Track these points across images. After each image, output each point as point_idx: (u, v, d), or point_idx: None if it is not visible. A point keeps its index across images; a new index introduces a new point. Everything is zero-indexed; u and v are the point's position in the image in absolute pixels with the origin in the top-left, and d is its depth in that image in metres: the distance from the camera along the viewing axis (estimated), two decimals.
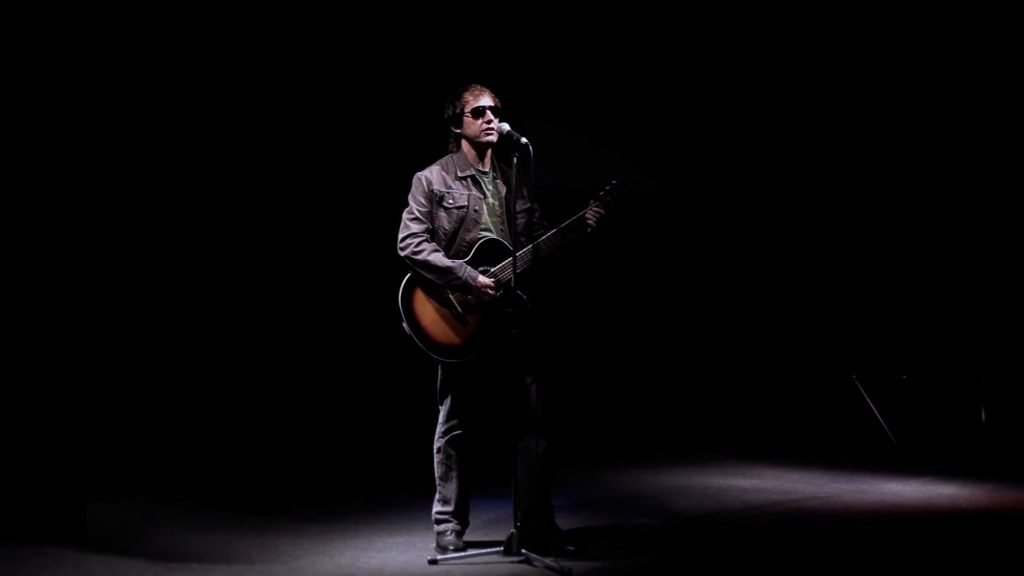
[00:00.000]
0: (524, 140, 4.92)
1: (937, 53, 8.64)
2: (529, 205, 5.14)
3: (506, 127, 5.04)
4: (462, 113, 5.09)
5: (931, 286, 8.56)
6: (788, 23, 9.01)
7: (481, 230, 5.09)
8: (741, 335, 9.14)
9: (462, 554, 4.96)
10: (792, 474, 7.04)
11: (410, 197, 5.09)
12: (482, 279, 4.98)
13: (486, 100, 5.09)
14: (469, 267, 4.99)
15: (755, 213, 9.24)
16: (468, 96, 5.10)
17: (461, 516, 5.14)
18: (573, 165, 8.11)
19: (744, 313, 9.17)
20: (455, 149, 5.18)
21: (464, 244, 5.06)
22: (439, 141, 5.25)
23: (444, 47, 7.90)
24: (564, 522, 5.30)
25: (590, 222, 5.05)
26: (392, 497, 6.36)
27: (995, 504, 6.09)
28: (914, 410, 8.07)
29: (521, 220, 5.12)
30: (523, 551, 4.82)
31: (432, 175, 5.10)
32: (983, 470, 6.98)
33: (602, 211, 5.06)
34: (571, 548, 4.96)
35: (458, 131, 5.14)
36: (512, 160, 4.97)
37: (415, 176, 5.12)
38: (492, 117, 5.07)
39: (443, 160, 5.17)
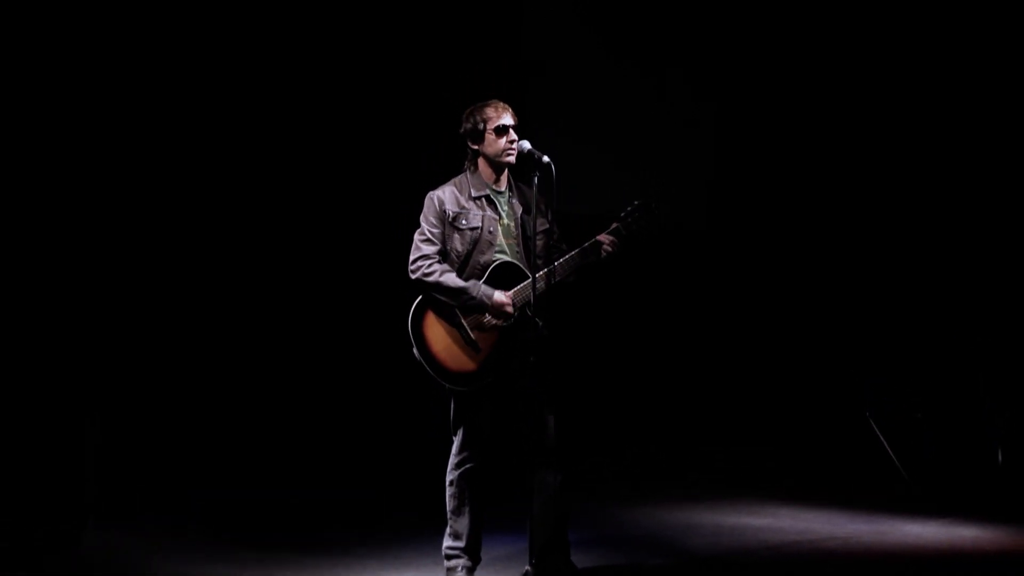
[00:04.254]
0: (546, 159, 4.70)
1: (934, 71, 8.50)
2: (548, 227, 4.95)
3: (527, 145, 4.82)
4: (484, 130, 4.87)
5: (943, 312, 8.39)
6: (798, 45, 8.87)
7: (495, 252, 4.87)
8: (753, 367, 8.98)
9: None
10: (807, 513, 6.81)
11: (422, 218, 4.88)
12: (498, 296, 4.77)
13: (508, 119, 4.88)
14: (484, 285, 4.78)
15: (763, 239, 9.10)
16: (491, 112, 4.87)
17: (473, 552, 4.92)
18: (585, 188, 7.92)
19: (756, 343, 9.01)
20: (471, 167, 4.97)
21: (478, 267, 4.85)
22: (446, 151, 5.11)
23: (444, 53, 7.82)
24: (579, 559, 5.09)
25: (607, 246, 4.87)
26: (399, 530, 6.15)
27: (1020, 546, 5.90)
28: (928, 448, 7.88)
29: (539, 242, 4.90)
30: None
31: (445, 195, 4.90)
32: (1003, 511, 6.78)
33: (621, 233, 4.89)
34: None
35: (476, 147, 4.92)
36: (533, 180, 4.76)
37: (427, 196, 4.91)
38: (515, 136, 4.88)
39: (456, 179, 4.96)
